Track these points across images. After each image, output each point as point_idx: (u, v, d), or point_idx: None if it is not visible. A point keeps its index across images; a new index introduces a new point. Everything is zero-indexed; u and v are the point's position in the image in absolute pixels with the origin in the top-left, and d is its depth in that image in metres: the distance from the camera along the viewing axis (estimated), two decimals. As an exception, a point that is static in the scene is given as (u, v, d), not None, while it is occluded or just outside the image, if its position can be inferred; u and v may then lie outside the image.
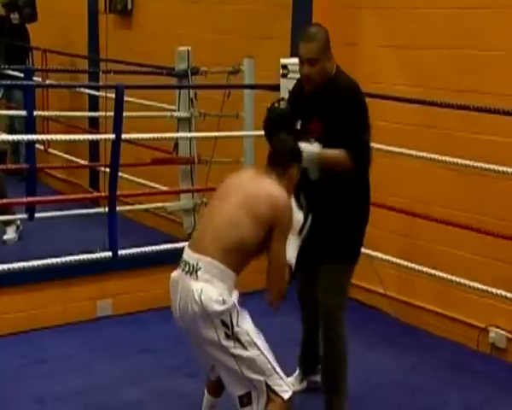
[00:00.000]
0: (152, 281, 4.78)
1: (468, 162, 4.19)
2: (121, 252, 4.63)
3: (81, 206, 5.71)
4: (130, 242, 4.85)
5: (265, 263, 2.95)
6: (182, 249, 4.81)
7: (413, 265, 4.55)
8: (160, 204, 5.91)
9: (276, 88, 4.85)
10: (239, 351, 2.82)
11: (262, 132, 5.18)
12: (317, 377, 3.70)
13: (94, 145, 6.79)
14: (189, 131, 5.59)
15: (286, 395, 2.89)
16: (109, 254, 4.59)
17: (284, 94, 4.78)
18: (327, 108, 3.13)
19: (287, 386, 2.90)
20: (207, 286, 2.76)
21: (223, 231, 2.80)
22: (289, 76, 4.78)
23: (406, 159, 4.55)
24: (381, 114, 4.83)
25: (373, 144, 4.89)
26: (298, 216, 2.98)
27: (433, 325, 4.57)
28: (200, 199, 5.68)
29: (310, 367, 3.73)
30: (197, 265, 2.79)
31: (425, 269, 4.47)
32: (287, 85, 4.79)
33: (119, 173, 4.78)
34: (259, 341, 2.89)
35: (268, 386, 2.88)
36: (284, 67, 4.80)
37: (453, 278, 4.35)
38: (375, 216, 4.90)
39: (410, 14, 4.64)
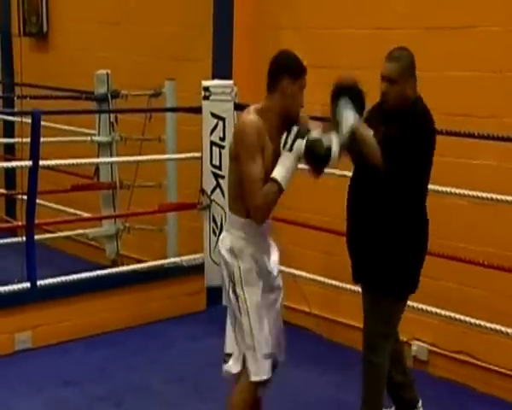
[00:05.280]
0: (74, 310, 4.66)
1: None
2: (40, 282, 4.47)
3: (-2, 235, 5.51)
4: (51, 271, 4.70)
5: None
6: (105, 276, 4.83)
7: (337, 282, 4.59)
8: (81, 231, 5.76)
9: (199, 110, 4.84)
10: (236, 310, 2.98)
11: (185, 155, 5.22)
12: None
13: (10, 172, 6.57)
14: (110, 155, 5.50)
15: (253, 377, 2.95)
16: (27, 284, 4.42)
17: (206, 116, 4.80)
18: (393, 126, 3.06)
19: (261, 370, 2.94)
20: (225, 234, 3.04)
21: (228, 186, 3.06)
22: (211, 98, 4.79)
23: (327, 177, 4.60)
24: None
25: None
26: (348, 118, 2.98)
27: (358, 341, 4.59)
28: (123, 224, 5.58)
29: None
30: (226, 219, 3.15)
31: (348, 286, 4.52)
32: (209, 108, 4.80)
33: (38, 201, 4.62)
34: (254, 315, 2.94)
35: (244, 359, 2.97)
36: (206, 89, 4.79)
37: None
38: (297, 235, 4.97)
39: (328, 34, 4.74)
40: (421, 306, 4.18)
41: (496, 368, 4.01)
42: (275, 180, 2.80)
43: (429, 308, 4.15)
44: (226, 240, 3.02)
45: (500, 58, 3.97)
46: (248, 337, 2.96)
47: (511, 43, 3.91)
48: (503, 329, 3.84)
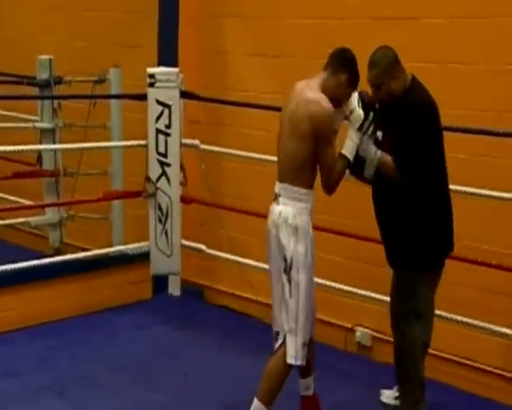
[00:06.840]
0: (17, 300, 4.58)
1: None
2: (-19, 271, 4.37)
3: None
4: (-9, 260, 4.60)
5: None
6: (48, 265, 4.74)
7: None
8: (23, 219, 5.64)
9: (144, 97, 4.80)
10: (287, 292, 3.12)
11: (130, 143, 5.16)
12: None
13: None
14: (54, 142, 5.39)
15: (289, 360, 3.12)
16: (-33, 273, 4.32)
17: (152, 103, 4.76)
18: (393, 125, 3.26)
19: (298, 356, 3.11)
20: (285, 208, 3.15)
21: (286, 162, 3.20)
22: (156, 85, 4.75)
23: (273, 166, 4.62)
24: (248, 122, 4.89)
25: (237, 152, 4.91)
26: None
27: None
28: (67, 212, 5.49)
29: None
30: (279, 192, 3.21)
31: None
32: (154, 95, 4.76)
33: (-23, 188, 4.52)
34: (303, 301, 3.12)
35: (284, 339, 3.13)
36: (151, 76, 4.75)
37: (320, 280, 4.46)
38: (244, 223, 4.98)
39: (274, 24, 4.75)
40: (364, 292, 4.26)
41: (440, 354, 4.06)
42: (345, 157, 3.20)
43: (373, 295, 4.22)
44: (289, 215, 3.12)
45: (442, 49, 4.04)
46: (292, 321, 3.11)
47: (453, 35, 3.99)
48: (448, 316, 3.88)
